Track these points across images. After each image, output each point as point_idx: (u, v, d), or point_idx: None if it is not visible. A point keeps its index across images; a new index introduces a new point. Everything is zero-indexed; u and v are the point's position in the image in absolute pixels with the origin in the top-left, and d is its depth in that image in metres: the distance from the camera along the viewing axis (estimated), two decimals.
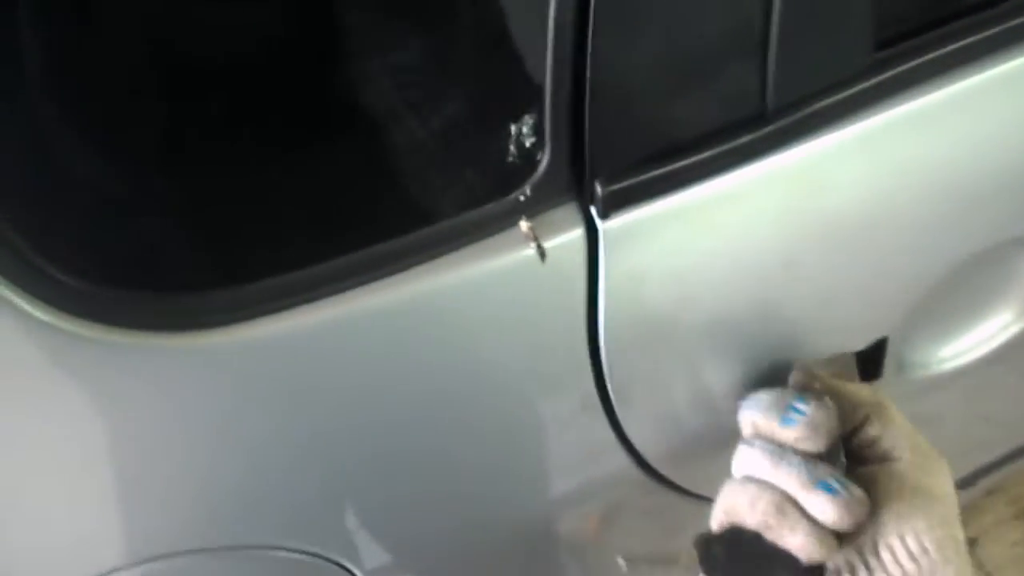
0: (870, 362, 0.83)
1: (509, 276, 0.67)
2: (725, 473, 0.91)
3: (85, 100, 0.55)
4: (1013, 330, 0.91)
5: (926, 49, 0.72)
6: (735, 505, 0.63)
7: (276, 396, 0.67)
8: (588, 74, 0.62)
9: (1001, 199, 0.79)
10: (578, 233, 0.68)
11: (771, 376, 0.80)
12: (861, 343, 0.81)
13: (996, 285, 0.88)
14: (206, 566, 0.72)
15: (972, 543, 1.61)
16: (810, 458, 0.63)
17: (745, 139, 0.68)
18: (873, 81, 0.71)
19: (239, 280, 0.62)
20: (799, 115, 0.69)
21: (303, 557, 0.76)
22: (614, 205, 0.67)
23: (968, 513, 0.69)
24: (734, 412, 0.79)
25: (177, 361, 0.63)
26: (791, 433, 0.63)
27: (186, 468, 0.67)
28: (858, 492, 0.61)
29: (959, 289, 0.84)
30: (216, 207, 0.61)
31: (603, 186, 0.66)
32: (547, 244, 0.67)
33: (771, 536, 0.61)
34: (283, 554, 0.75)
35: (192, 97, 0.55)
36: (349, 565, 0.79)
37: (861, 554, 0.63)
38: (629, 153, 0.67)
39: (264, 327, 0.63)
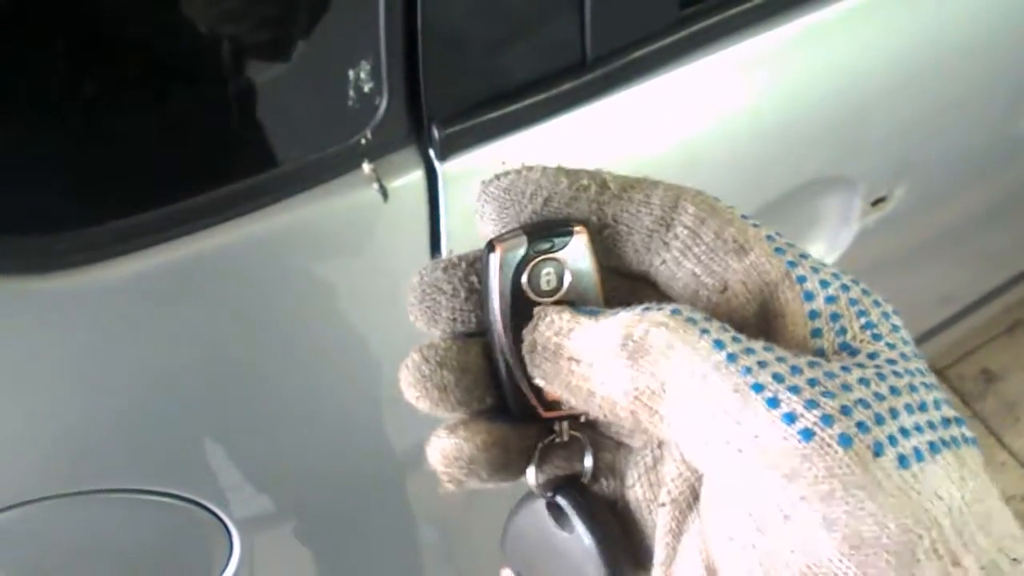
0: None
1: (355, 215, 0.72)
2: None
3: None
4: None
5: (727, 6, 0.81)
6: None
7: (132, 337, 0.69)
8: (420, 20, 0.67)
9: (805, 143, 0.89)
10: (418, 174, 0.73)
11: None
12: None
13: (806, 223, 0.98)
14: (72, 512, 0.73)
15: None
16: None
17: (568, 85, 0.75)
18: (680, 35, 0.78)
19: (89, 222, 0.64)
20: (616, 64, 0.76)
21: (171, 501, 0.78)
22: (451, 148, 0.73)
23: None
24: None
25: (31, 303, 0.65)
26: None
27: (44, 412, 0.69)
28: None
29: (772, 227, 0.93)
30: (65, 150, 0.63)
31: (440, 129, 0.71)
32: (390, 185, 0.72)
33: None
34: (149, 498, 0.77)
35: (38, 39, 0.58)
36: (217, 510, 0.81)
37: None
38: (463, 98, 0.72)
39: (115, 268, 0.66)
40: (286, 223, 0.70)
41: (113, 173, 0.66)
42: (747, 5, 0.81)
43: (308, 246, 0.72)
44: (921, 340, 1.42)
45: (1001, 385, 1.95)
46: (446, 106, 0.72)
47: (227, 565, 0.85)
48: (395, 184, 0.72)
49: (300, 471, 0.84)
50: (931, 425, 0.29)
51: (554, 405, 0.34)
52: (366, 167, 0.71)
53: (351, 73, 0.68)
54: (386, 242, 0.74)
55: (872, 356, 0.30)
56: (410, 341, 0.77)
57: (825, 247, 1.00)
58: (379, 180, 0.71)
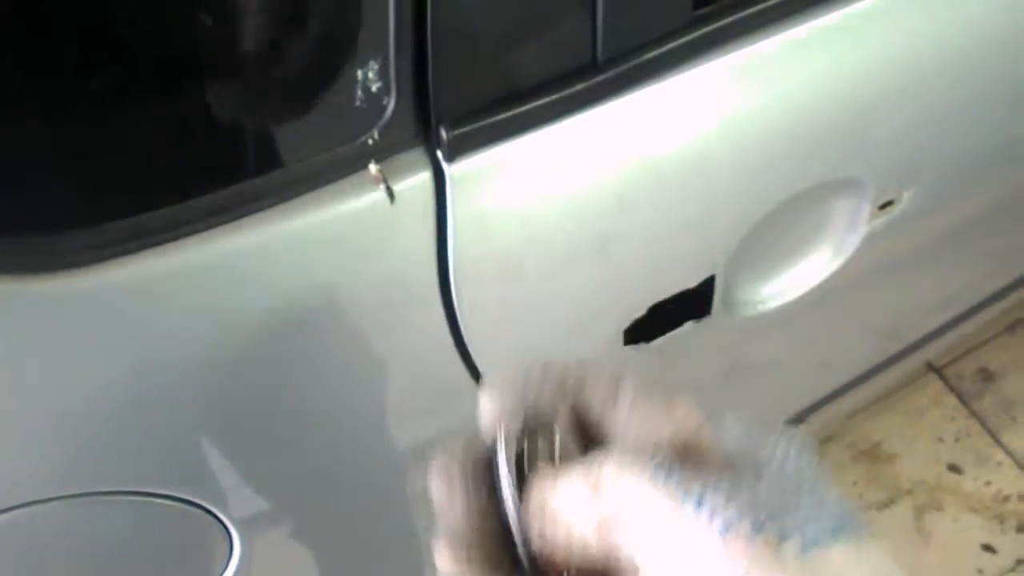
0: (700, 300, 0.90)
1: (360, 217, 0.71)
2: None
3: None
4: (832, 267, 1.00)
5: (742, 6, 0.79)
6: None
7: (133, 337, 0.68)
8: (429, 20, 0.66)
9: (813, 146, 0.88)
10: (426, 176, 0.72)
11: (610, 314, 0.86)
12: (693, 280, 0.88)
13: (813, 226, 0.97)
14: (73, 514, 0.73)
15: None
16: None
17: (578, 87, 0.74)
18: (693, 35, 0.77)
19: (94, 221, 0.63)
20: (627, 65, 0.75)
21: (171, 503, 0.77)
22: (459, 149, 0.72)
23: None
24: (578, 349, 0.85)
25: (33, 302, 0.64)
26: None
27: (45, 414, 0.68)
28: None
29: (780, 230, 0.92)
30: (71, 148, 0.62)
31: (448, 131, 0.70)
32: (396, 187, 0.71)
33: None
34: (147, 500, 0.76)
35: (43, 37, 0.56)
36: (216, 511, 0.81)
37: None
38: (472, 99, 0.71)
39: (118, 268, 0.65)
40: (291, 224, 0.69)
41: (117, 171, 0.65)
42: (761, 6, 0.79)
43: (313, 247, 0.70)
44: (922, 342, 1.42)
45: (1000, 384, 1.94)
46: (455, 106, 0.71)
47: (227, 566, 0.84)
48: (402, 185, 0.71)
49: (300, 472, 0.83)
50: (830, 517, 0.35)
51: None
52: (372, 168, 0.70)
53: (359, 73, 0.67)
54: (392, 244, 0.73)
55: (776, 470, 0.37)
56: (409, 353, 0.76)
57: (831, 251, 1.00)
58: (385, 181, 0.70)
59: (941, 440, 1.89)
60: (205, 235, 0.66)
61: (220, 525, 0.82)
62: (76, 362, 0.67)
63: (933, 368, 1.95)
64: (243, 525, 0.83)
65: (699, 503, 0.34)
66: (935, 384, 1.96)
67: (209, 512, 0.80)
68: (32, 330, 0.65)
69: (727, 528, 0.33)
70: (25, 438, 0.69)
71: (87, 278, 0.64)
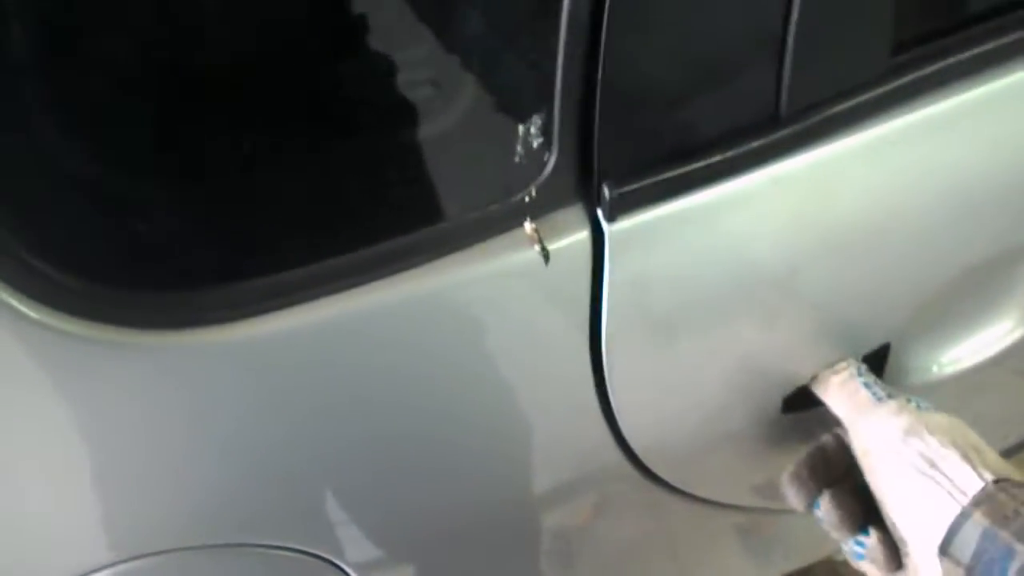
0: (870, 366, 0.82)
1: (513, 277, 0.66)
2: (713, 473, 0.91)
3: (79, 93, 0.52)
4: (1013, 337, 0.90)
5: (942, 55, 0.71)
6: None
7: (274, 394, 0.65)
8: (600, 74, 0.60)
9: (1008, 207, 0.79)
10: (583, 235, 0.66)
11: (772, 383, 0.79)
12: (864, 349, 0.80)
13: (998, 292, 0.87)
14: (193, 565, 0.71)
15: None
16: None
17: (757, 143, 0.67)
18: (889, 86, 0.69)
19: (242, 277, 0.60)
20: (812, 120, 0.68)
21: (291, 554, 0.75)
22: (621, 208, 0.66)
23: None
24: (730, 417, 0.78)
25: (174, 358, 0.61)
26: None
27: (177, 466, 0.66)
28: None
29: (962, 296, 0.84)
30: (217, 204, 0.59)
31: (611, 189, 0.65)
32: (552, 246, 0.65)
33: None
34: (271, 552, 0.74)
35: (190, 93, 0.53)
36: (338, 561, 0.78)
37: None
38: (638, 156, 0.65)
39: (266, 324, 0.62)
40: (441, 282, 0.64)
41: (265, 227, 0.61)
42: (973, 50, 0.71)
43: (463, 307, 0.66)
44: None
45: None
46: (619, 163, 0.65)
47: None
48: (558, 245, 0.66)
49: (426, 535, 0.79)
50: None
51: None
52: (528, 227, 0.65)
53: (521, 128, 0.61)
54: (544, 306, 0.68)
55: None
56: (553, 415, 0.71)
57: (1018, 316, 0.90)
58: (541, 241, 0.65)
59: None
60: (351, 292, 0.63)
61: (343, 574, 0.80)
62: (214, 416, 0.65)
63: None
64: (364, 572, 0.81)
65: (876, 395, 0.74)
66: None
67: (332, 563, 0.78)
68: (175, 384, 0.63)
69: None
70: (161, 489, 0.67)
71: (230, 334, 0.61)
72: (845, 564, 1.62)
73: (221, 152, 0.56)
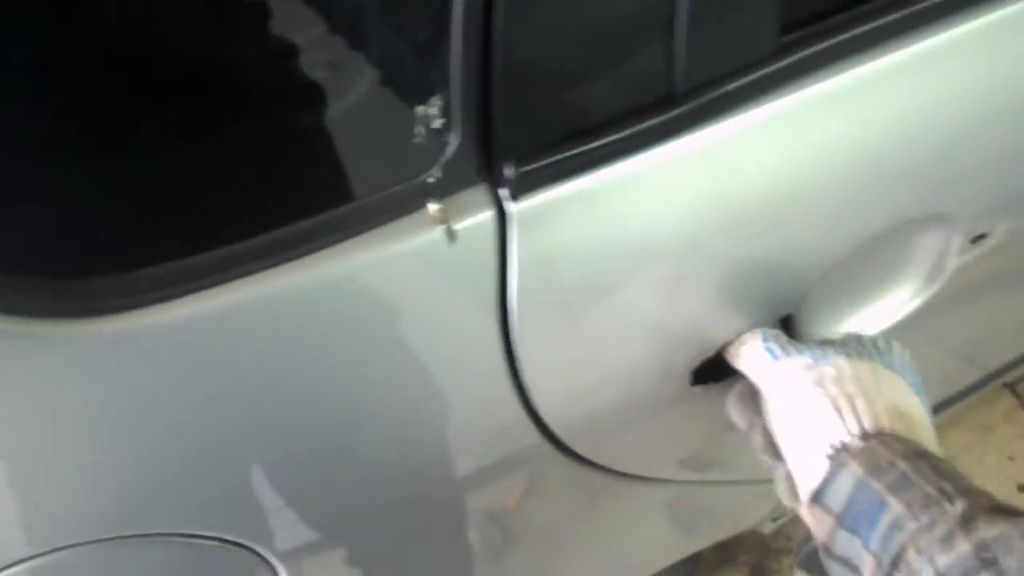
0: None
1: (419, 258, 0.67)
2: (631, 448, 0.93)
3: None
4: (911, 307, 0.94)
5: (830, 33, 0.73)
6: None
7: (177, 380, 0.65)
8: (496, 55, 0.61)
9: (901, 181, 0.81)
10: (488, 215, 0.67)
11: (679, 355, 0.81)
12: (768, 320, 0.83)
13: (895, 263, 0.90)
14: (112, 556, 0.70)
15: None
16: None
17: (654, 121, 0.69)
18: (779, 64, 0.71)
19: (142, 264, 0.60)
20: (707, 98, 0.70)
21: (211, 543, 0.75)
22: (524, 188, 0.67)
23: None
24: (642, 391, 0.80)
25: (74, 347, 0.61)
26: None
27: (85, 457, 0.65)
28: None
29: (860, 268, 0.86)
30: (114, 188, 0.59)
31: (513, 168, 0.66)
32: (457, 226, 0.66)
33: None
34: (192, 542, 0.73)
35: (86, 81, 0.53)
36: (259, 549, 0.78)
37: None
38: (539, 135, 0.66)
39: (169, 312, 0.61)
40: (346, 265, 0.65)
41: (161, 211, 0.61)
42: (850, 32, 0.73)
43: (368, 289, 0.66)
44: (1004, 370, 1.35)
45: None
46: (520, 142, 0.66)
47: None
48: (463, 225, 0.67)
49: (345, 519, 0.80)
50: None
51: None
52: (432, 207, 0.66)
53: (421, 109, 0.62)
54: (451, 285, 0.69)
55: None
56: (465, 395, 0.72)
57: (917, 285, 0.93)
58: (446, 221, 0.66)
59: (1011, 459, 1.80)
60: (252, 278, 0.63)
61: (264, 562, 0.79)
62: (120, 406, 0.64)
63: (1006, 384, 1.86)
64: (287, 559, 0.81)
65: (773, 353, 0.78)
66: (1007, 400, 1.87)
67: (252, 550, 0.78)
68: (75, 373, 0.62)
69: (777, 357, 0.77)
70: (63, 480, 0.66)
71: (130, 322, 0.61)
72: (772, 536, 1.66)
73: (118, 134, 0.56)
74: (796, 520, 1.46)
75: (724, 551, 1.69)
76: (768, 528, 1.47)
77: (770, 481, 0.78)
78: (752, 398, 0.79)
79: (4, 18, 0.49)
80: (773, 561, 1.71)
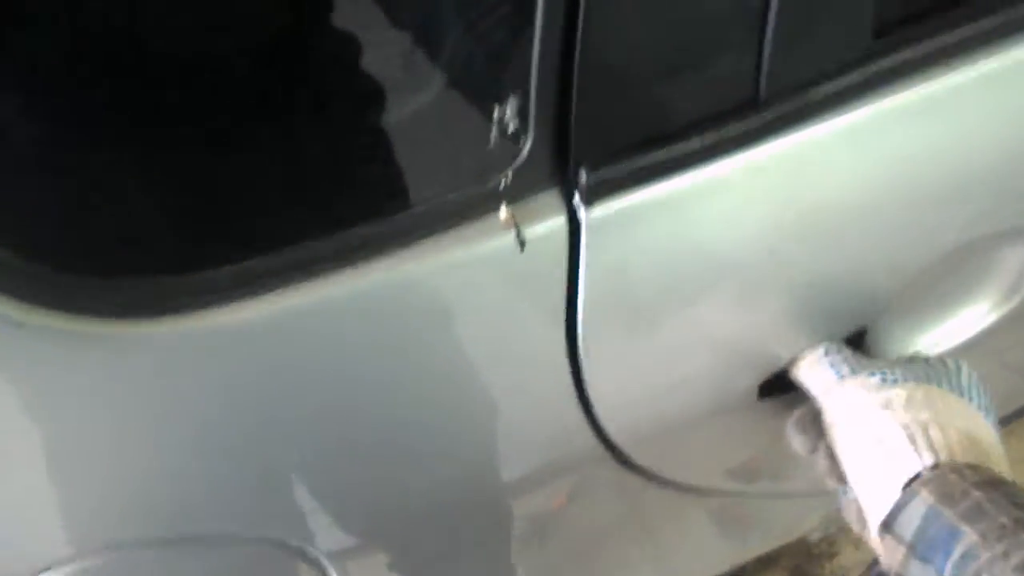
0: None
1: (489, 263, 0.65)
2: (688, 458, 0.90)
3: (44, 80, 0.50)
4: (988, 321, 0.90)
5: (925, 37, 0.70)
6: None
7: (244, 383, 0.64)
8: (577, 57, 0.59)
9: (988, 192, 0.78)
10: (560, 221, 0.65)
11: (748, 368, 0.79)
12: (841, 333, 0.80)
13: (975, 277, 0.87)
14: (166, 557, 0.69)
15: None
16: None
17: (736, 127, 0.66)
18: (870, 69, 0.68)
19: (212, 264, 0.58)
20: (792, 104, 0.67)
21: (265, 545, 0.73)
22: (598, 194, 0.64)
23: None
24: (706, 403, 0.78)
25: (139, 347, 0.59)
26: None
27: (143, 458, 0.64)
28: None
29: (939, 280, 0.83)
30: (186, 188, 0.57)
31: (587, 174, 0.63)
32: (528, 232, 0.64)
33: None
34: (243, 542, 0.72)
35: (158, 78, 0.51)
36: (312, 550, 0.77)
37: None
38: (616, 140, 0.64)
39: (235, 313, 0.60)
40: (413, 270, 0.63)
41: (236, 213, 0.59)
42: (957, 33, 0.69)
43: (436, 293, 0.64)
44: None
45: None
46: (596, 148, 0.63)
47: None
48: (534, 230, 0.64)
49: (400, 520, 0.78)
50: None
51: None
52: (503, 212, 0.63)
53: (496, 112, 0.60)
54: (519, 292, 0.67)
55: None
56: (528, 400, 0.70)
57: (1000, 298, 0.90)
58: (517, 227, 0.64)
59: None
60: (326, 279, 0.61)
61: (315, 563, 0.78)
62: (178, 406, 0.63)
63: None
64: (336, 560, 0.79)
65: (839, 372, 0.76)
66: None
67: (306, 553, 0.76)
68: (136, 373, 0.61)
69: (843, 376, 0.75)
70: (115, 479, 0.65)
71: (200, 322, 0.59)
72: (817, 543, 1.63)
73: (187, 134, 0.54)
74: (842, 527, 1.43)
75: (765, 554, 1.66)
76: (815, 536, 1.45)
77: (822, 494, 0.77)
78: (814, 421, 0.77)
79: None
80: (816, 566, 1.68)
